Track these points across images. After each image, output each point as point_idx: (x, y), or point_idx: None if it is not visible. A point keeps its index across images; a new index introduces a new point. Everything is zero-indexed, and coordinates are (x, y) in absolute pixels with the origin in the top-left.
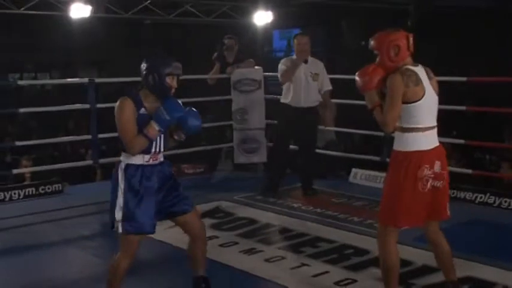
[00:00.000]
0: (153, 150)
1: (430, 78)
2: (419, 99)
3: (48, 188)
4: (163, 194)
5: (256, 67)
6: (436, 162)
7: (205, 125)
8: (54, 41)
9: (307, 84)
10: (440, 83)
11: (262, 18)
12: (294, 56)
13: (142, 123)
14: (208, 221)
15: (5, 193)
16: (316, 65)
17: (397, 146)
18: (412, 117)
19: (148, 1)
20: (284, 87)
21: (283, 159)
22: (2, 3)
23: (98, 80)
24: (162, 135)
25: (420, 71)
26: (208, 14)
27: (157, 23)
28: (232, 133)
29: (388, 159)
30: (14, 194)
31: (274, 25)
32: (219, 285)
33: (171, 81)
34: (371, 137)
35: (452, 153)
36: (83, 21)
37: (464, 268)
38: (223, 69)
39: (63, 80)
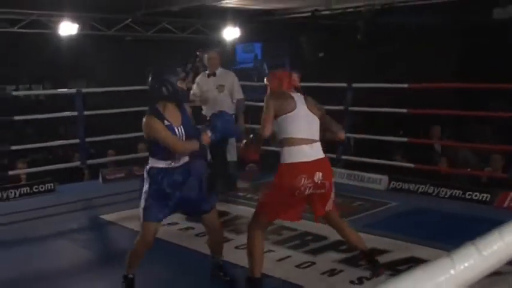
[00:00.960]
0: (174, 156)
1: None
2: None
3: (41, 187)
4: (187, 192)
5: None
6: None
7: None
8: (47, 55)
9: (214, 95)
10: (385, 89)
11: (230, 33)
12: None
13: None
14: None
15: (3, 192)
16: (224, 77)
17: None
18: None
19: (129, 20)
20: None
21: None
22: None
23: (84, 90)
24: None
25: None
26: (183, 31)
27: (138, 39)
28: None
29: (343, 157)
30: (11, 193)
31: (240, 40)
32: (198, 272)
33: (182, 85)
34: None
35: (399, 150)
36: (72, 38)
37: (408, 249)
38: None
39: (54, 90)
